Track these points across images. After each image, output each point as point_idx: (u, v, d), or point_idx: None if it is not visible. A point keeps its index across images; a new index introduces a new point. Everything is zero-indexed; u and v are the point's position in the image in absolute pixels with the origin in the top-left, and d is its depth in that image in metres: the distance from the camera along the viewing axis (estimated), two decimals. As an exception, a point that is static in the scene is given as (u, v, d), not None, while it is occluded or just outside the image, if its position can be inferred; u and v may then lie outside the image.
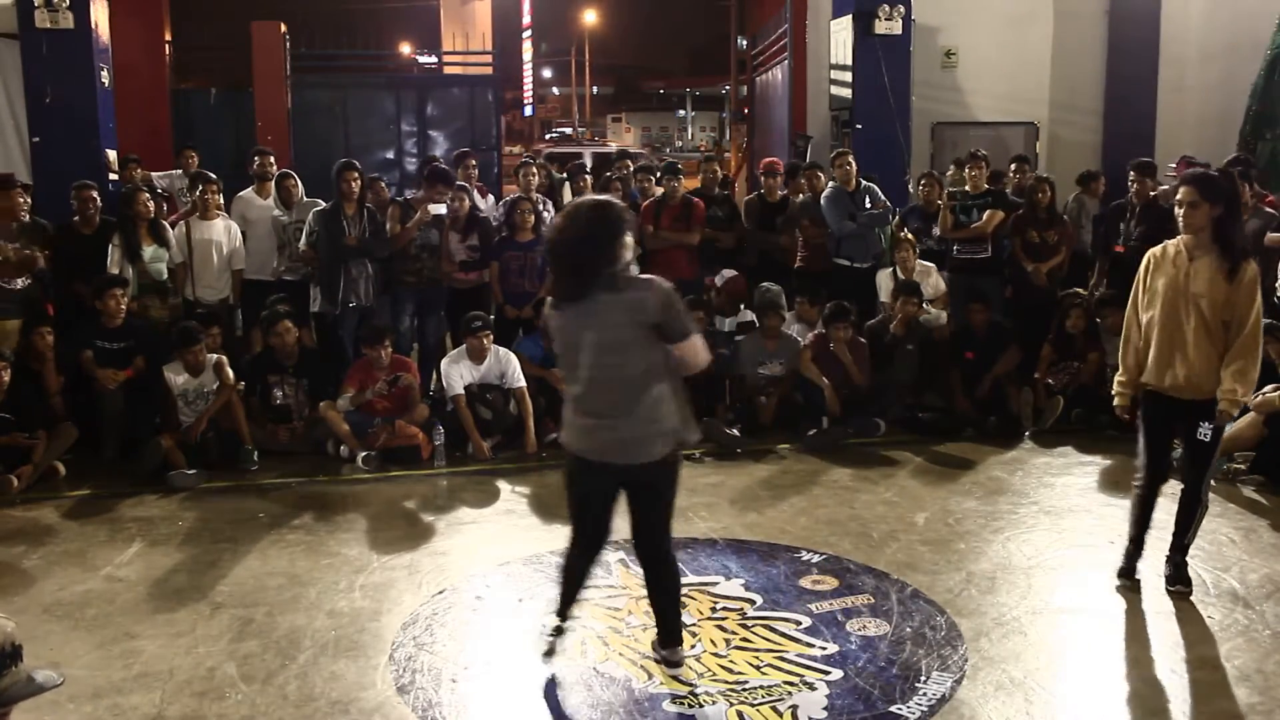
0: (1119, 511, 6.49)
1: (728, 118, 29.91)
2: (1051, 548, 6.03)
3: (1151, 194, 9.01)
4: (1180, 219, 5.12)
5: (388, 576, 5.66)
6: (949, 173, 11.39)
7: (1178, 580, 5.38)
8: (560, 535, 6.16)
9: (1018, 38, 13.88)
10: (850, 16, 12.78)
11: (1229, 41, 12.94)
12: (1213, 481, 6.86)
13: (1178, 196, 5.17)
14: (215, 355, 7.77)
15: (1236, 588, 5.41)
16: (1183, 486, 5.40)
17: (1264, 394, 6.98)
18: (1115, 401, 5.41)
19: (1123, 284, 8.75)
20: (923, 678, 4.52)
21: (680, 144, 34.02)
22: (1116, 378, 5.43)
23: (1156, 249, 5.29)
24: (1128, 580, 5.47)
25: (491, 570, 5.75)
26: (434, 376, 8.38)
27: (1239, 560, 5.74)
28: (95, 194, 8.54)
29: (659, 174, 9.98)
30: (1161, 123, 13.59)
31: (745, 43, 22.68)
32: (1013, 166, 10.03)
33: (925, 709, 4.28)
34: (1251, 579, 5.52)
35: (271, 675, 4.57)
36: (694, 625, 5.02)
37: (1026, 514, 6.58)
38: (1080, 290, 9.05)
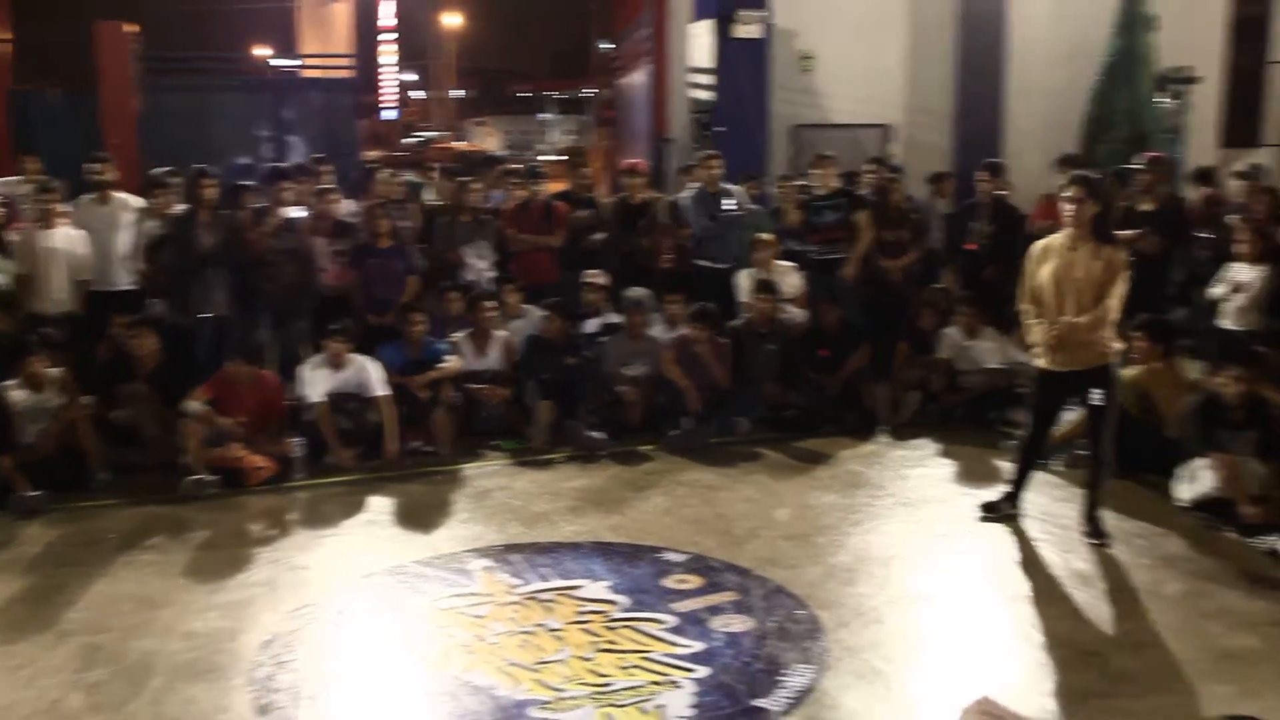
0: (973, 501, 6.75)
1: (591, 121, 29.89)
2: (908, 538, 6.19)
3: (999, 193, 9.30)
4: (1067, 213, 5.75)
5: (245, 594, 5.52)
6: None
7: (1096, 534, 6.00)
8: (423, 545, 6.14)
9: (873, 42, 14.17)
10: (710, 20, 12.92)
11: (1072, 48, 13.41)
12: (1060, 467, 7.21)
13: (1067, 193, 5.78)
14: (57, 370, 7.44)
15: (1081, 568, 5.64)
16: (1085, 452, 6.26)
17: None
18: (1033, 337, 6.09)
19: (974, 282, 9.06)
20: (786, 670, 4.59)
21: (543, 147, 33.98)
22: (1030, 321, 6.10)
23: (1041, 242, 5.97)
24: (992, 514, 6.36)
25: (354, 583, 5.65)
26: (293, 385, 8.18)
27: (1082, 542, 5.97)
28: None
29: (522, 177, 9.94)
30: (1009, 125, 14.03)
31: (607, 46, 22.77)
32: (866, 167, 10.25)
33: (789, 701, 4.36)
34: (1094, 558, 5.76)
35: (122, 703, 4.42)
36: (559, 630, 5.01)
37: (884, 506, 6.73)
38: (942, 287, 9.28)
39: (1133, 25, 12.18)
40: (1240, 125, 14.79)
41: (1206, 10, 14.33)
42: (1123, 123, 12.10)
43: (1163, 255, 8.40)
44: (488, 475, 7.48)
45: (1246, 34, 14.84)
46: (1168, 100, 12.82)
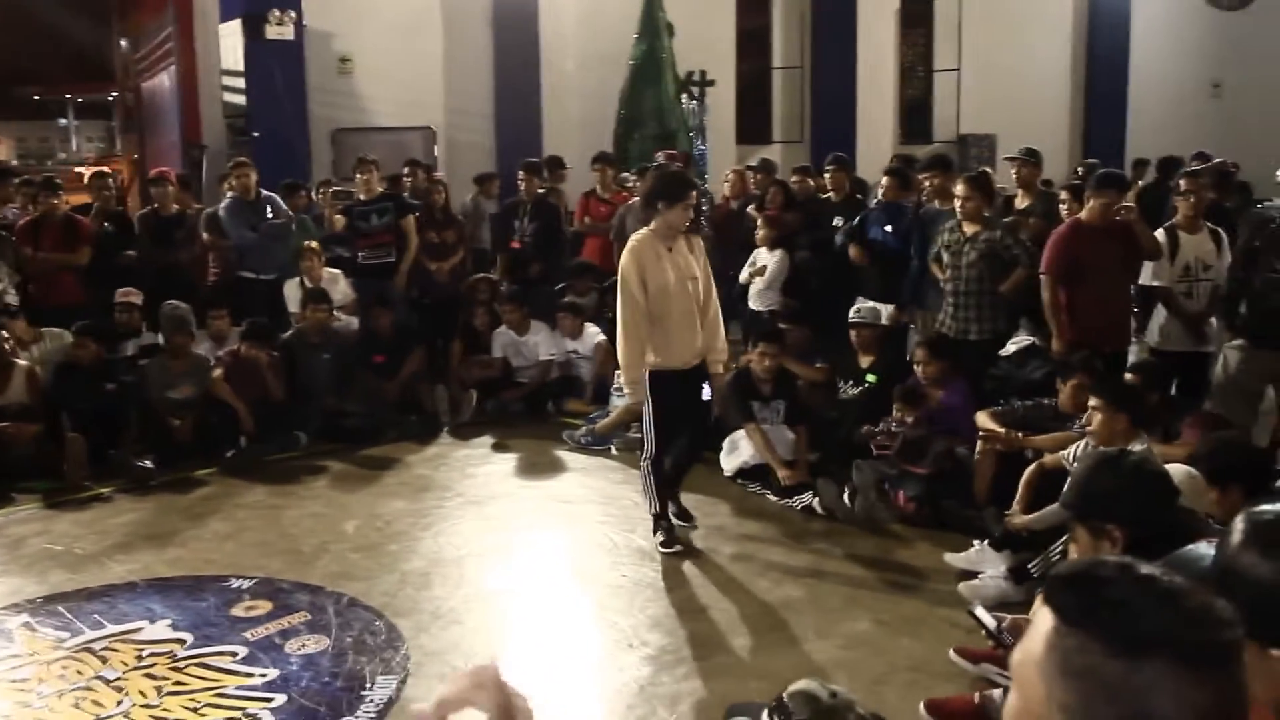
0: (538, 492, 6.98)
1: (117, 126, 27.82)
2: (479, 536, 6.26)
3: (540, 191, 9.62)
4: (680, 216, 5.62)
5: None
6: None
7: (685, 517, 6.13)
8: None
9: (410, 45, 14.20)
10: (239, 20, 12.42)
11: (599, 52, 14.12)
12: (615, 451, 7.59)
13: (685, 200, 5.64)
14: None
15: (643, 545, 5.95)
16: (690, 449, 6.12)
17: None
18: (634, 400, 5.78)
19: (522, 279, 9.33)
20: (368, 684, 4.51)
21: (65, 155, 31.12)
22: (631, 377, 5.73)
23: (637, 247, 5.64)
24: (673, 548, 5.84)
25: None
26: None
27: (643, 520, 6.25)
28: None
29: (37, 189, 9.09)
30: (547, 125, 14.55)
31: (128, 46, 21.26)
32: (405, 170, 10.25)
33: (374, 715, 4.29)
34: (654, 536, 6.09)
35: None
36: (118, 679, 4.63)
37: (453, 507, 6.77)
38: (489, 277, 9.44)
39: (654, 31, 13.01)
40: (753, 124, 16.26)
41: (718, 20, 15.61)
42: (651, 121, 12.92)
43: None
44: (19, 521, 6.74)
45: (752, 43, 16.35)
46: (690, 101, 13.84)
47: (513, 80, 14.55)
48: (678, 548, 5.82)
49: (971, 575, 5.24)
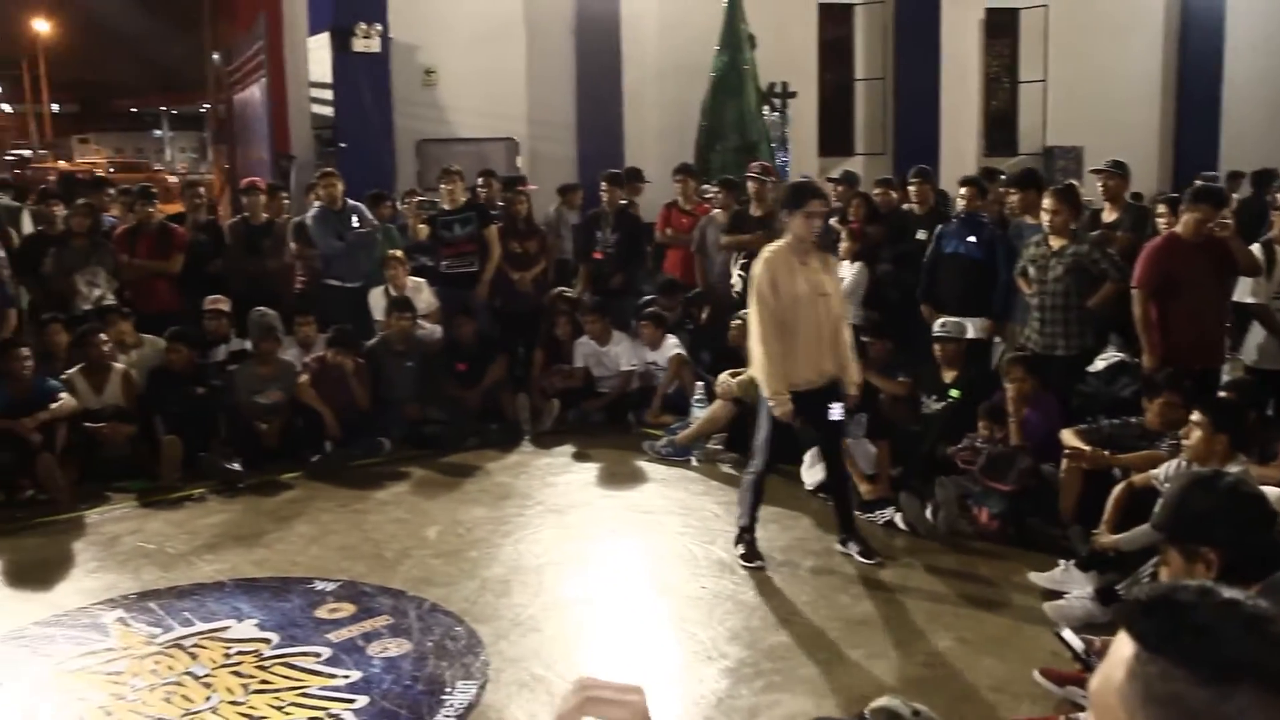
0: (618, 502, 7.00)
1: (208, 137, 28.52)
2: (559, 544, 6.30)
3: (622, 202, 9.66)
4: (803, 226, 5.57)
5: None
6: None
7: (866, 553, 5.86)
8: (45, 603, 5.62)
9: (494, 56, 14.33)
10: (327, 34, 12.65)
11: (680, 63, 14.14)
12: (695, 462, 7.59)
13: (809, 209, 5.57)
14: None
15: (724, 557, 5.94)
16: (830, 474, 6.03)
17: (724, 380, 7.69)
18: (780, 412, 5.59)
19: (603, 289, 9.37)
20: (448, 689, 4.56)
21: (159, 166, 32.02)
22: (775, 390, 5.59)
23: (771, 257, 5.60)
24: (754, 562, 5.76)
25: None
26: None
27: (723, 532, 6.28)
28: None
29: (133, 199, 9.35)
30: (628, 136, 14.59)
31: (220, 58, 21.72)
32: (480, 180, 10.34)
33: (454, 719, 4.33)
34: (735, 548, 6.07)
35: None
36: (207, 676, 4.74)
37: (533, 515, 6.82)
38: (567, 291, 9.51)
39: (736, 43, 12.99)
40: (835, 136, 16.17)
41: (799, 31, 15.54)
42: (732, 133, 12.89)
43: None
44: (115, 520, 6.94)
45: (834, 54, 16.26)
46: (771, 113, 13.81)
47: (594, 91, 14.62)
48: (759, 563, 5.76)
49: (1056, 595, 5.17)
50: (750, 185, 9.20)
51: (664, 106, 14.41)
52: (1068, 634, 4.30)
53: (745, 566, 5.75)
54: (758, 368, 5.66)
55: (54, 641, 5.16)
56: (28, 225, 9.83)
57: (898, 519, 6.28)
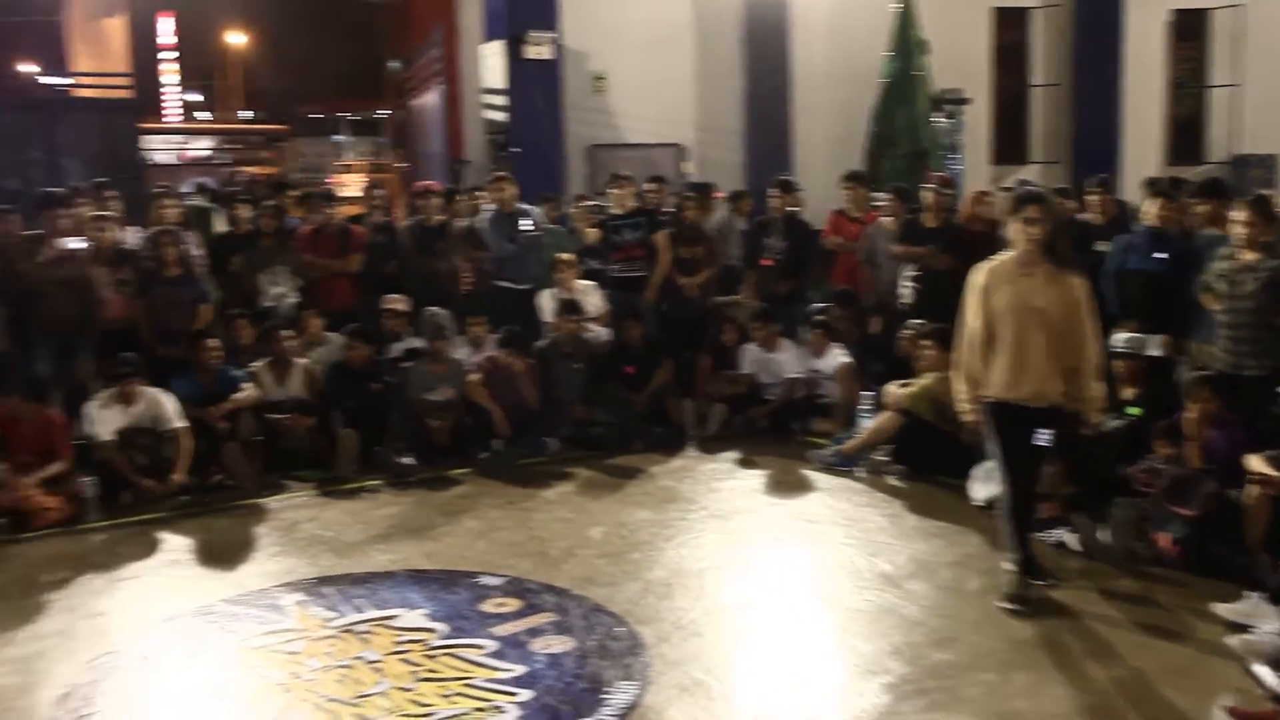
0: (781, 510, 6.95)
1: (385, 143, 29.47)
2: (721, 549, 6.30)
3: (791, 209, 9.59)
4: (1025, 235, 5.29)
5: (37, 647, 5.17)
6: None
7: (1037, 575, 5.55)
8: (231, 583, 5.91)
9: (663, 63, 14.44)
10: (502, 41, 12.93)
11: (849, 69, 14.01)
12: (861, 473, 7.49)
13: (1025, 214, 5.30)
14: None
15: (888, 570, 5.85)
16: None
17: (892, 391, 7.57)
18: (967, 419, 5.50)
19: (771, 296, 9.31)
20: (609, 688, 4.61)
21: (339, 169, 33.31)
22: (961, 395, 5.50)
23: (983, 268, 5.42)
24: (1021, 606, 5.33)
25: (158, 627, 5.38)
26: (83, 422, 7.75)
27: (888, 544, 6.20)
28: None
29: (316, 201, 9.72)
30: (796, 142, 14.52)
31: (398, 66, 22.47)
32: (649, 186, 10.41)
33: (614, 718, 4.37)
34: (899, 560, 5.98)
35: (-101, 771, 4.10)
36: (378, 661, 4.90)
37: (696, 519, 6.83)
38: (738, 299, 9.51)
39: (907, 49, 12.80)
40: (1009, 143, 15.76)
41: (973, 37, 15.21)
42: (903, 140, 12.71)
43: (951, 269, 8.77)
44: (295, 507, 7.26)
45: (1009, 59, 15.86)
46: (943, 119, 13.55)
47: (763, 97, 14.59)
48: (1019, 608, 5.31)
49: (1242, 628, 4.91)
50: (927, 196, 9.03)
51: (833, 112, 14.29)
52: (1263, 670, 4.07)
53: (999, 605, 5.35)
54: (955, 375, 5.56)
55: (238, 619, 5.42)
56: (219, 225, 10.30)
57: (1071, 540, 6.08)
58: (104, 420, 7.30)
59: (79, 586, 5.97)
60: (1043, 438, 5.38)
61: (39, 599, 5.79)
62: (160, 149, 30.93)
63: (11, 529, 6.74)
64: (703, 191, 10.52)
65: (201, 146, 32.40)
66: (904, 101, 12.90)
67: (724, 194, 11.04)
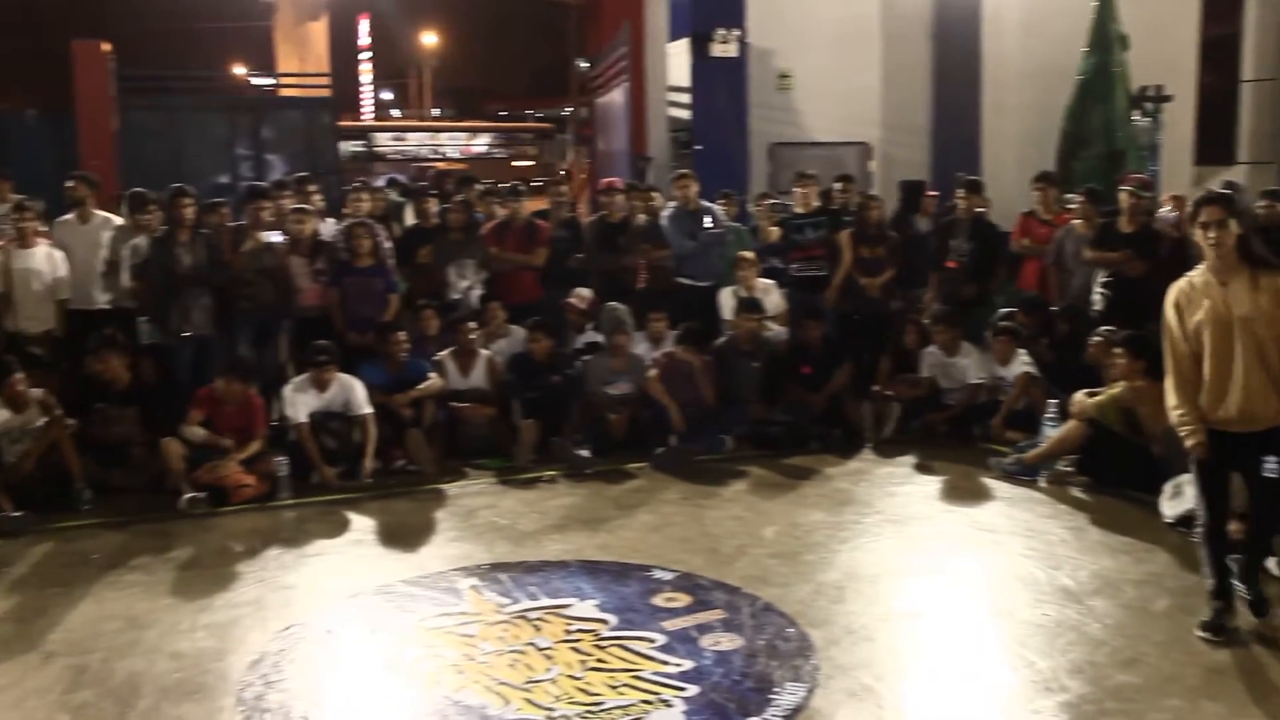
0: (959, 518, 6.79)
1: (570, 140, 29.99)
2: (896, 555, 6.20)
3: (978, 210, 9.37)
4: (1206, 241, 4.88)
5: (232, 614, 5.47)
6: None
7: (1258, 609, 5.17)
8: (410, 564, 6.12)
9: (849, 60, 14.29)
10: (687, 39, 13.00)
11: (1043, 66, 13.57)
12: (1043, 483, 7.26)
13: (1201, 218, 4.89)
14: (39, 390, 7.39)
15: (1069, 585, 5.65)
16: (1251, 529, 5.22)
17: (1079, 400, 7.31)
18: (1191, 442, 4.98)
19: (955, 299, 9.12)
20: (777, 689, 4.58)
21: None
22: (1180, 417, 5.02)
23: (1175, 287, 5.02)
24: (1218, 636, 4.97)
25: (342, 602, 5.62)
26: (277, 404, 8.15)
27: (1070, 558, 5.99)
28: None
29: (503, 196, 9.97)
30: (985, 141, 14.16)
31: (584, 64, 22.81)
32: (837, 185, 10.31)
33: (780, 720, 4.36)
34: (1081, 576, 5.76)
35: (109, 724, 4.38)
36: (549, 649, 4.99)
37: (872, 523, 6.74)
38: (926, 299, 9.34)
39: (1105, 44, 12.31)
40: (1214, 143, 14.98)
41: (1178, 30, 14.51)
42: (1098, 140, 12.22)
43: (1145, 276, 8.42)
44: (474, 494, 7.47)
45: (1218, 53, 15.06)
46: (1142, 118, 12.98)
47: (951, 95, 14.31)
48: (1220, 638, 4.96)
49: None
50: (1123, 199, 8.68)
51: (1024, 111, 13.88)
52: None
53: (1199, 635, 5.00)
54: (1169, 398, 5.11)
55: (416, 600, 5.60)
56: (409, 219, 10.66)
57: (1273, 565, 5.74)
58: (299, 403, 7.66)
59: (270, 560, 6.30)
60: (1271, 466, 4.86)
61: (234, 569, 6.12)
62: (448, 145, 33.36)
63: (211, 503, 7.14)
64: (914, 191, 10.37)
65: (480, 143, 34.65)
66: (1100, 99, 12.39)
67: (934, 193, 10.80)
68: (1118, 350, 7.23)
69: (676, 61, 13.83)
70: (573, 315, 9.03)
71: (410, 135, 35.44)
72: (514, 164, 25.21)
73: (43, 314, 8.36)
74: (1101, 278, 8.69)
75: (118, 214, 8.97)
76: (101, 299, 8.60)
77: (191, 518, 6.99)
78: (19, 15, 26.74)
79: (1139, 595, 5.53)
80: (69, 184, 8.90)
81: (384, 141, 34.46)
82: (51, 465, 7.25)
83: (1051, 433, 7.57)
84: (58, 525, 6.89)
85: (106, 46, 13.62)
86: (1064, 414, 7.55)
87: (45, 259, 8.39)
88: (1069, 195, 9.85)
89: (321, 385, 7.69)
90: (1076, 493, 7.21)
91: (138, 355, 8.13)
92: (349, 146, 32.83)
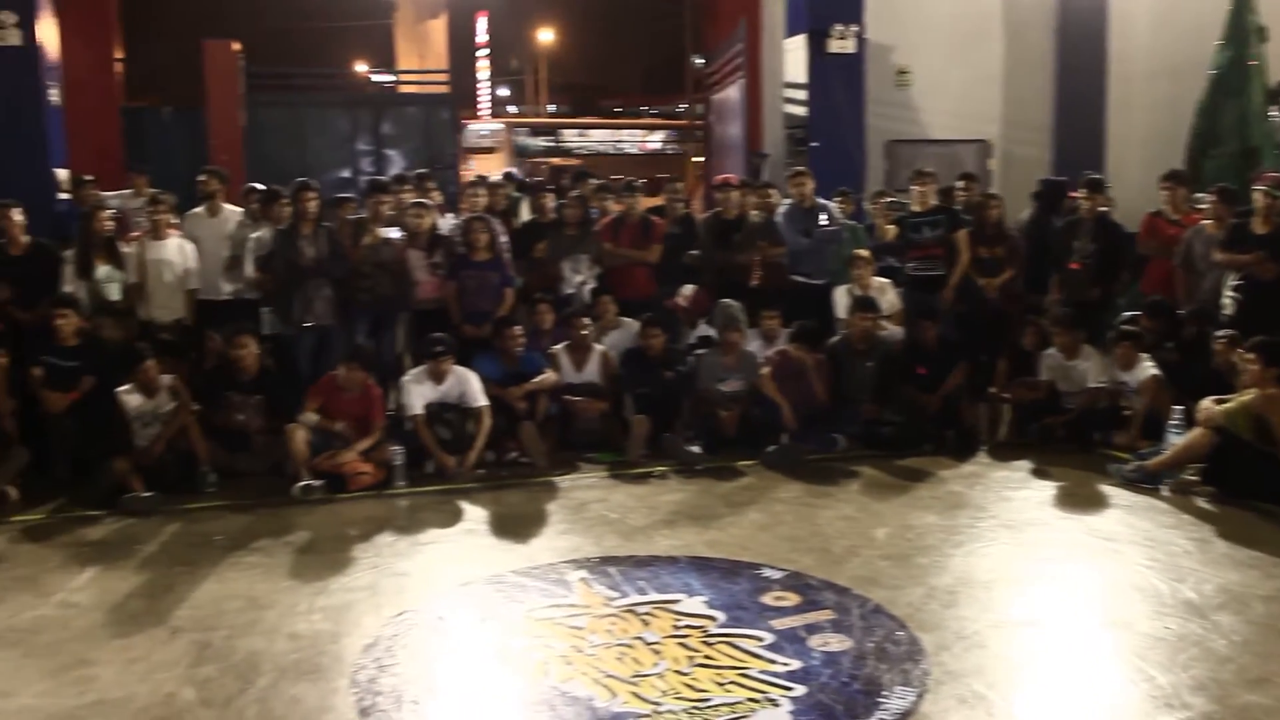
0: (1076, 525, 6.64)
1: (685, 136, 30.09)
2: (1011, 561, 6.08)
3: (1101, 210, 9.13)
4: None
5: (347, 598, 5.61)
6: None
7: None
8: (521, 555, 6.20)
9: (969, 56, 14.04)
10: (804, 35, 12.89)
11: (1173, 61, 13.16)
12: (1166, 491, 7.05)
13: None
14: (169, 376, 7.68)
15: (1192, 598, 5.47)
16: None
17: (1207, 406, 7.08)
18: None
19: (1077, 301, 8.89)
20: (885, 693, 4.53)
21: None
22: None
23: None
24: None
25: (453, 591, 5.71)
26: (392, 394, 8.33)
27: (1194, 571, 5.81)
28: (17, 214, 8.36)
29: (618, 192, 10.03)
30: (1110, 140, 13.79)
31: (700, 61, 22.80)
32: (960, 183, 10.13)
33: (888, 724, 4.31)
34: (1206, 589, 5.58)
35: (231, 699, 4.51)
36: (657, 643, 5.01)
37: (986, 528, 6.62)
38: (1047, 301, 9.14)
39: (1242, 36, 11.88)
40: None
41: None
42: (1231, 138, 11.80)
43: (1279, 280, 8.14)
44: (584, 487, 7.54)
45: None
46: (1279, 115, 12.48)
47: (1075, 92, 13.96)
48: None
49: None
50: (1258, 199, 8.38)
51: (1152, 108, 13.47)
52: None
53: None
54: None
55: (526, 590, 5.67)
56: (524, 214, 10.78)
57: None
58: (416, 394, 7.81)
59: (384, 547, 6.44)
60: None
61: (350, 555, 6.28)
62: (625, 141, 34.44)
63: (329, 489, 7.32)
64: (1055, 189, 10.17)
65: (655, 140, 35.66)
66: (1235, 94, 11.96)
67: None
68: (1249, 356, 6.99)
69: (793, 57, 13.71)
70: (681, 312, 9.03)
71: (592, 132, 37.25)
72: (693, 159, 25.81)
73: (174, 303, 8.68)
74: (1232, 281, 8.40)
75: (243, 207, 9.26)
76: (226, 289, 8.88)
77: (309, 503, 7.18)
78: (155, 17, 27.76)
79: (1268, 612, 5.33)
80: (200, 178, 9.22)
81: (570, 138, 36.31)
82: (179, 449, 7.56)
83: (1176, 440, 7.35)
84: (184, 506, 7.17)
85: (236, 46, 14.04)
86: (1189, 420, 7.33)
87: (177, 250, 8.71)
88: (1199, 195, 9.54)
89: (438, 377, 7.83)
90: (1201, 502, 6.98)
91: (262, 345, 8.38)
92: (538, 142, 34.22)
